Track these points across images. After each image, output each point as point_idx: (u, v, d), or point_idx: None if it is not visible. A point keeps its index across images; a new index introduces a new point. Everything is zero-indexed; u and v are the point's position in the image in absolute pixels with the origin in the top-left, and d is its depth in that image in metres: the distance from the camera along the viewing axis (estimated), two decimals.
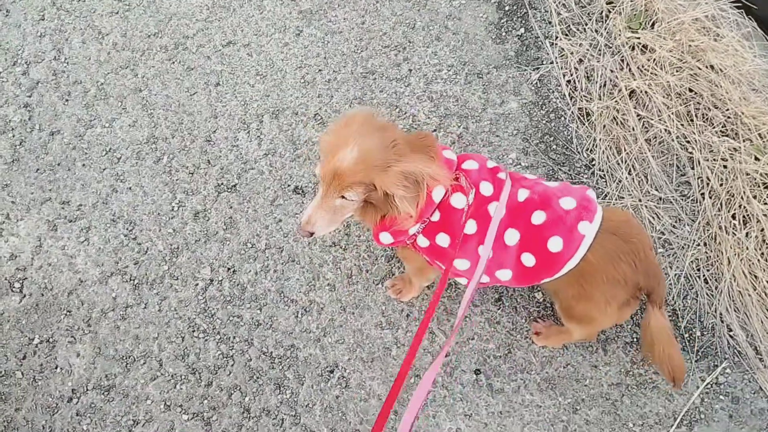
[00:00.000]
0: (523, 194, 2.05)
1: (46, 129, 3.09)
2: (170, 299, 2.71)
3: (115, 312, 2.69)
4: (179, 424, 2.49)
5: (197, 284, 2.73)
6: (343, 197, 1.93)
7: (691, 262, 2.69)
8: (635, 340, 2.57)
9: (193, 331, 2.65)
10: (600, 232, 1.98)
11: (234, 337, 2.63)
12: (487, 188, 2.04)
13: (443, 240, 2.08)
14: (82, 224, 2.87)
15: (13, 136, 3.08)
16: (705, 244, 2.71)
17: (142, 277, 2.75)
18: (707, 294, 2.64)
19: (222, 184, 2.93)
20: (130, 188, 2.94)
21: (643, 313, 2.19)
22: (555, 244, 1.98)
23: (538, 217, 2.01)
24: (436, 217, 2.06)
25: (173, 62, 3.26)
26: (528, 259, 2.03)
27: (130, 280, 2.75)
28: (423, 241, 2.14)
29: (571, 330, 2.37)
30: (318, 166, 1.95)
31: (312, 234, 2.02)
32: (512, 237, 2.02)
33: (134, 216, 2.88)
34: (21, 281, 2.76)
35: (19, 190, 2.95)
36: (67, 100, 3.17)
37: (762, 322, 2.54)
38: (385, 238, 2.14)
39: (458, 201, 2.02)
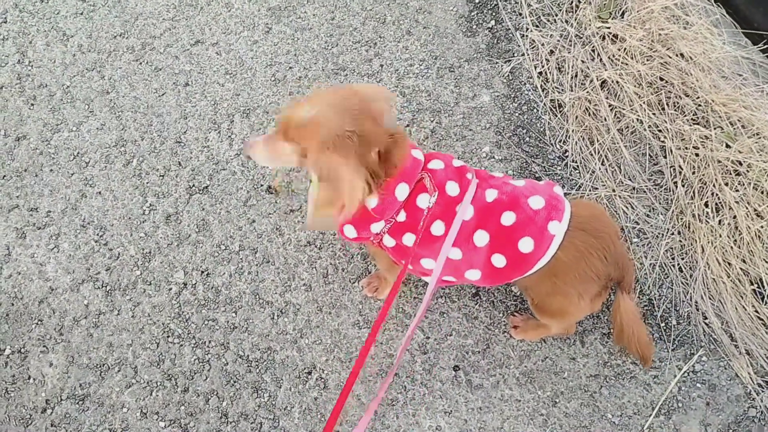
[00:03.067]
0: (491, 194, 2.04)
1: (11, 134, 3.03)
2: (144, 305, 2.67)
3: (88, 320, 2.65)
4: (156, 431, 2.46)
5: (171, 289, 2.70)
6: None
7: (666, 251, 2.70)
8: (612, 331, 2.57)
9: (168, 337, 2.61)
10: (569, 229, 1.98)
11: (209, 342, 2.60)
12: (453, 188, 2.03)
13: (409, 240, 2.07)
14: (51, 231, 2.82)
15: None
16: (679, 233, 2.72)
17: (115, 283, 2.71)
18: (682, 282, 2.65)
19: (194, 185, 2.89)
20: (99, 193, 2.89)
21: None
22: (526, 245, 1.97)
23: (508, 218, 2.00)
24: (402, 217, 2.04)
25: (140, 63, 3.20)
26: (498, 260, 2.03)
27: (102, 286, 2.71)
28: (389, 241, 2.12)
29: (549, 324, 2.38)
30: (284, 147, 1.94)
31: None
32: (482, 238, 2.01)
33: (104, 221, 2.83)
34: None
35: None
36: (32, 105, 3.10)
37: (736, 309, 2.55)
38: (349, 231, 2.12)
39: (423, 201, 2.01)
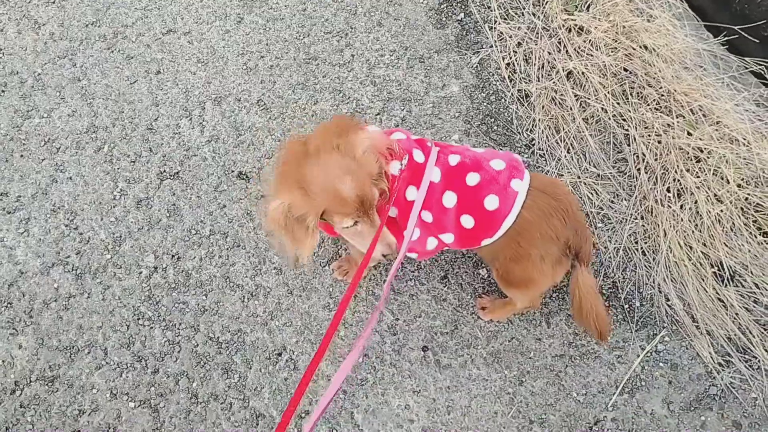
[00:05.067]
0: (454, 159, 2.10)
1: None
2: (114, 288, 2.67)
3: (58, 302, 2.65)
4: (126, 412, 2.47)
5: (141, 272, 2.70)
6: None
7: (629, 235, 2.76)
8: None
9: (138, 319, 2.62)
10: (530, 189, 2.05)
11: (180, 324, 2.61)
12: (419, 155, 2.08)
13: (391, 211, 2.11)
14: (21, 215, 2.81)
15: None
16: (642, 218, 2.79)
17: (85, 267, 2.71)
18: (645, 266, 2.71)
19: (164, 171, 2.90)
20: (70, 178, 2.89)
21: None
22: (491, 202, 2.03)
23: (473, 179, 2.06)
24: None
25: (112, 51, 3.21)
26: (467, 221, 2.08)
27: (72, 270, 2.71)
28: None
29: (514, 299, 2.43)
30: (340, 219, 1.92)
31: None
32: (450, 199, 2.06)
33: (75, 206, 2.83)
34: None
35: None
36: (2, 92, 3.10)
37: (697, 291, 2.62)
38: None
39: (394, 167, 2.05)
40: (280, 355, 2.56)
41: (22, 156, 2.94)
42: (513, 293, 2.39)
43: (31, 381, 2.52)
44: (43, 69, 3.16)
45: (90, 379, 2.53)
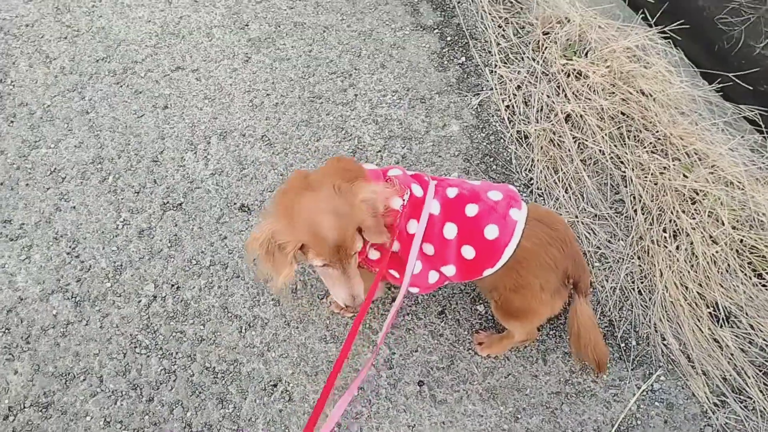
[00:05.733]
0: (452, 191, 2.14)
1: None
2: (112, 316, 2.69)
3: (56, 329, 2.66)
4: None
5: (140, 301, 2.72)
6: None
7: (626, 274, 2.78)
8: (569, 338, 2.63)
9: (135, 347, 2.62)
10: (528, 219, 2.09)
11: (177, 353, 2.61)
12: (417, 189, 2.12)
13: (394, 246, 2.14)
14: (23, 242, 2.84)
15: None
16: (639, 258, 2.81)
17: (84, 295, 2.73)
18: (641, 305, 2.73)
19: (168, 202, 2.94)
20: (74, 207, 2.93)
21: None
22: (491, 231, 2.06)
23: (472, 210, 2.09)
24: None
25: (121, 86, 3.29)
26: (468, 252, 2.10)
27: (72, 297, 2.72)
28: (374, 254, 2.18)
29: (512, 331, 2.44)
30: (312, 257, 1.94)
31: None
32: (451, 231, 2.09)
33: (77, 234, 2.86)
34: None
35: None
36: (12, 122, 3.17)
37: (693, 331, 2.63)
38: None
39: (396, 203, 2.09)
40: (275, 386, 2.55)
41: (27, 185, 2.99)
42: (512, 324, 2.40)
43: (25, 407, 2.51)
44: (53, 101, 3.23)
45: (84, 406, 2.52)
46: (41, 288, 2.74)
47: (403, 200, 2.08)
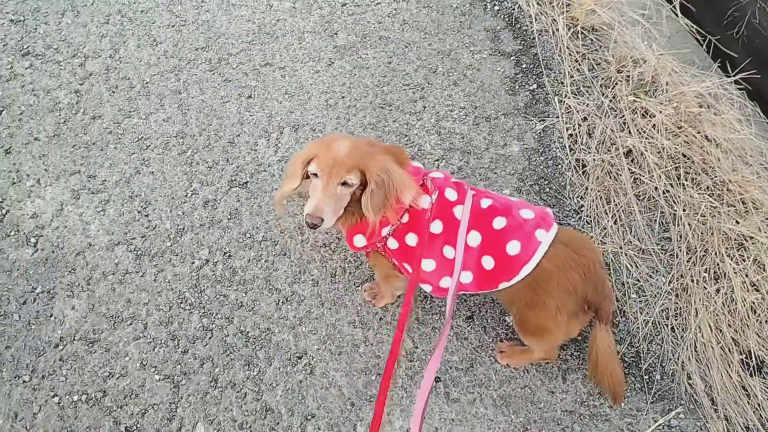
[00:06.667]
0: (486, 202, 2.22)
1: (89, 113, 3.42)
2: (166, 272, 2.91)
3: (115, 276, 2.91)
4: (150, 382, 2.64)
5: (194, 263, 2.94)
6: (344, 183, 2.09)
7: (662, 310, 2.77)
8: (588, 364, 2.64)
9: (181, 303, 2.83)
10: (555, 242, 2.12)
11: (217, 314, 2.80)
12: (451, 194, 2.22)
13: (411, 240, 2.24)
14: (102, 197, 3.13)
15: (59, 116, 3.41)
16: (676, 295, 2.79)
17: (146, 249, 2.97)
18: (672, 341, 2.71)
19: (235, 180, 3.17)
20: (152, 172, 3.21)
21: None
22: (513, 247, 2.12)
23: (499, 223, 2.16)
24: (405, 219, 2.23)
25: (214, 73, 3.59)
26: (487, 262, 2.17)
27: (135, 250, 2.97)
28: (393, 243, 2.29)
29: (531, 347, 2.48)
30: (312, 163, 2.12)
31: (320, 223, 2.08)
32: (475, 239, 2.17)
33: (150, 196, 3.13)
34: (37, 237, 3.01)
35: (54, 161, 3.25)
36: (113, 92, 3.50)
37: (721, 375, 2.58)
38: (359, 240, 2.30)
39: (424, 201, 2.20)
40: (300, 358, 2.69)
41: (115, 147, 3.29)
42: (529, 341, 2.44)
43: (74, 339, 2.75)
44: (151, 79, 3.56)
45: (126, 347, 2.73)
46: (109, 238, 3.01)
47: (432, 199, 2.19)
